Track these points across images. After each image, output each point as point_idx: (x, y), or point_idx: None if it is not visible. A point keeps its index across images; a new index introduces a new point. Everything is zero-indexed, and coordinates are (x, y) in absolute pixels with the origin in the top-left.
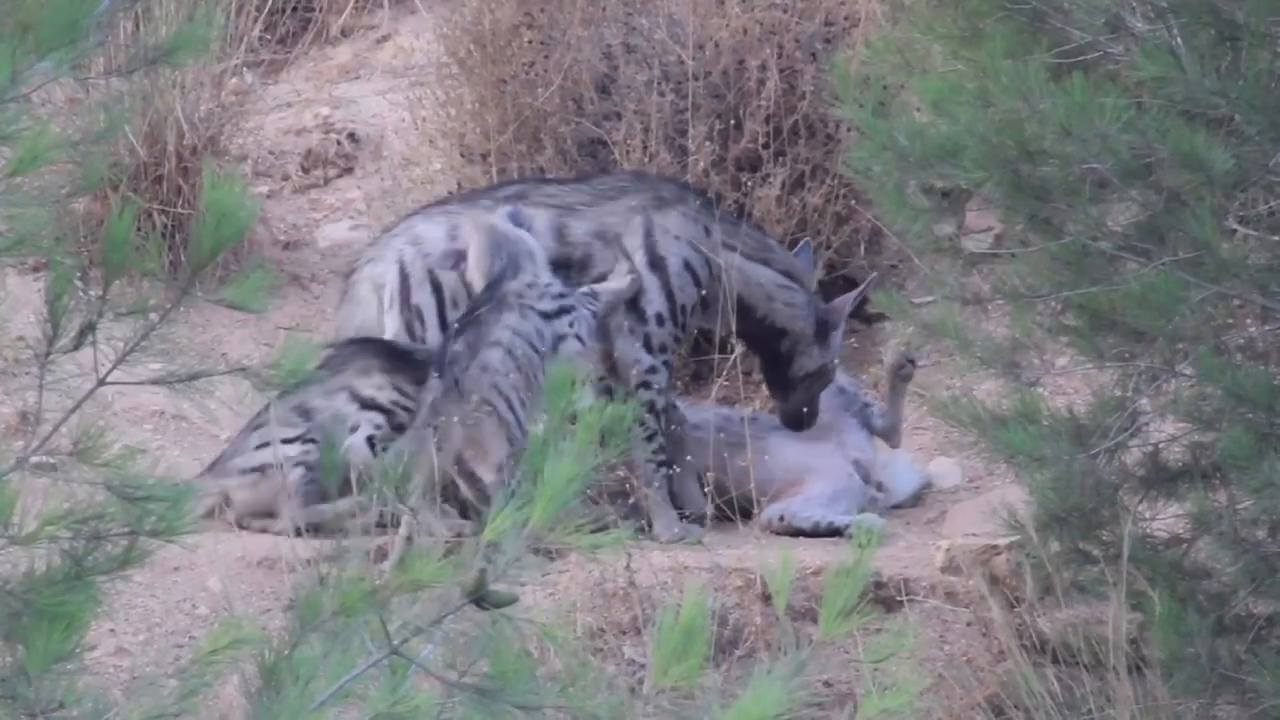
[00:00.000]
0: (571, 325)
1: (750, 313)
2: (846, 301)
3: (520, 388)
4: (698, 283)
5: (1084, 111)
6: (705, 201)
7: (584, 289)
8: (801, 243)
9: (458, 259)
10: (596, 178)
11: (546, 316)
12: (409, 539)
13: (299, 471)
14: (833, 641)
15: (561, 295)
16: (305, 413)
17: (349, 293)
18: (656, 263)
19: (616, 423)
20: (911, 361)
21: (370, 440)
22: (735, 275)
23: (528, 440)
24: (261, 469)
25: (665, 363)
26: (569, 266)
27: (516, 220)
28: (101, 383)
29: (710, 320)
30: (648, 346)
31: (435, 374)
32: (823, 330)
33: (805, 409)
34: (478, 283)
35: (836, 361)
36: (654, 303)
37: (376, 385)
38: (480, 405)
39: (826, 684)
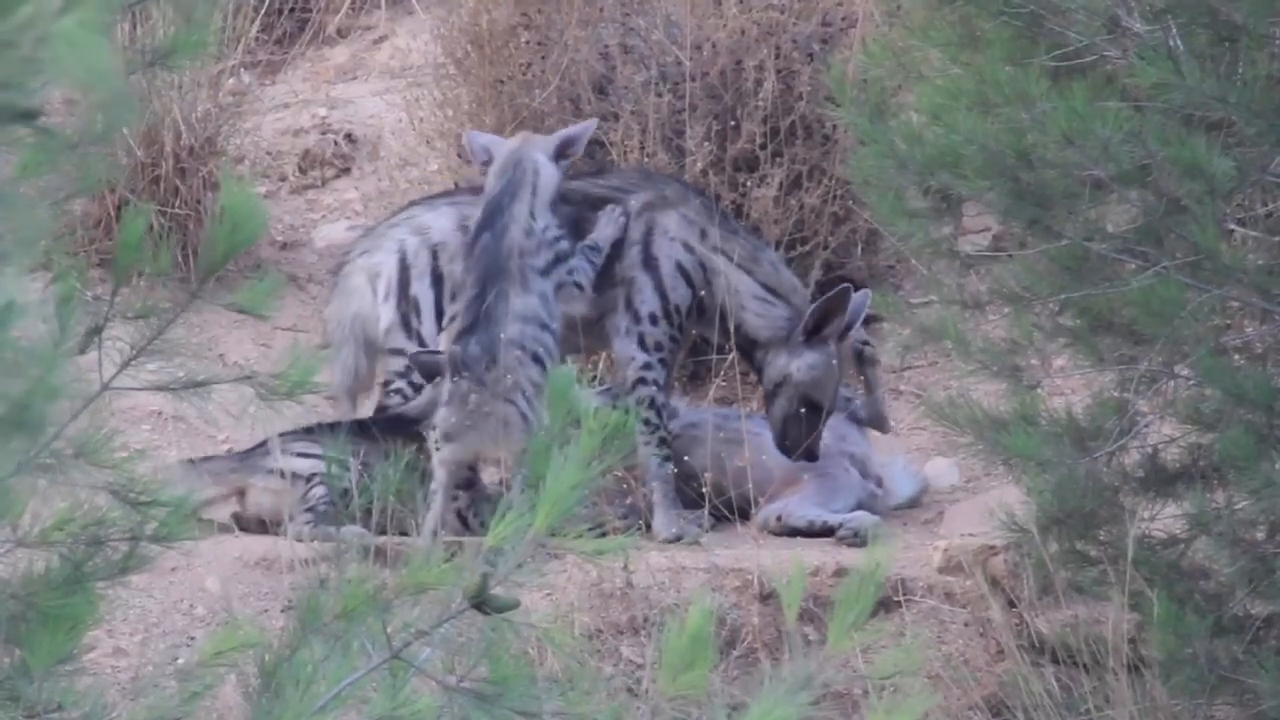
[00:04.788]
0: (570, 274)
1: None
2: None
3: (535, 379)
4: (690, 283)
5: (1085, 119)
6: (707, 204)
7: (584, 243)
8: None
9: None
10: (601, 173)
11: (544, 273)
12: (434, 533)
13: (321, 490)
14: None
15: (558, 240)
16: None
17: (340, 285)
18: (650, 262)
19: (620, 428)
20: (866, 343)
21: (460, 514)
22: (719, 280)
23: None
24: (290, 476)
25: (661, 360)
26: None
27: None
28: (106, 387)
29: (705, 326)
30: (643, 345)
31: (450, 376)
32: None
33: (792, 427)
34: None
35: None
36: (647, 302)
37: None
38: (513, 388)
39: (824, 686)
